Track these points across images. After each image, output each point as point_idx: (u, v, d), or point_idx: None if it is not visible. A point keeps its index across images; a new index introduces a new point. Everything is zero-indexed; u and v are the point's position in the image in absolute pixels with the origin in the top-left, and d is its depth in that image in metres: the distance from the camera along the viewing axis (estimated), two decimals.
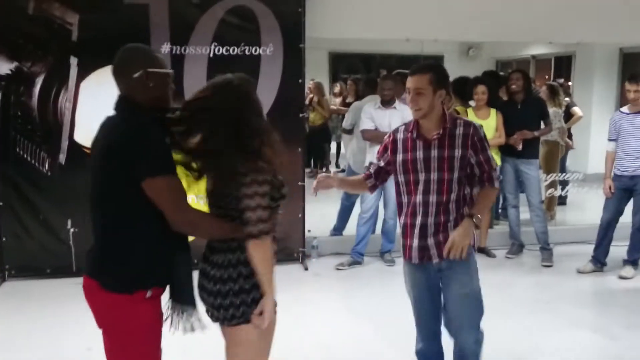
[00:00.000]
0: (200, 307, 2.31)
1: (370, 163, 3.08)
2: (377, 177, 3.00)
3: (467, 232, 2.68)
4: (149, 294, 2.17)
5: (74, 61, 4.99)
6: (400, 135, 2.88)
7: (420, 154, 2.79)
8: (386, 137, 2.98)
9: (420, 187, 2.79)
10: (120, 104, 2.21)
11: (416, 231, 2.81)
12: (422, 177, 2.78)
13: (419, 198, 2.79)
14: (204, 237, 2.28)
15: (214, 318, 2.28)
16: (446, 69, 2.86)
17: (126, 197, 2.10)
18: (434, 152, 2.76)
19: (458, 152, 2.74)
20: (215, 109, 2.18)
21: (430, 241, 2.78)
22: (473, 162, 2.77)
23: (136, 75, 2.16)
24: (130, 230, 2.14)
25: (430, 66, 2.78)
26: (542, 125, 5.91)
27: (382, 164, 2.96)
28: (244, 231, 2.14)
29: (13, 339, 4.06)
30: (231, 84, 2.23)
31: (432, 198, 2.77)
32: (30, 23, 4.92)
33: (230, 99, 2.19)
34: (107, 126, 2.21)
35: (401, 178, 2.85)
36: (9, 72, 4.94)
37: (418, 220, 2.81)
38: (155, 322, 2.25)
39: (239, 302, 2.20)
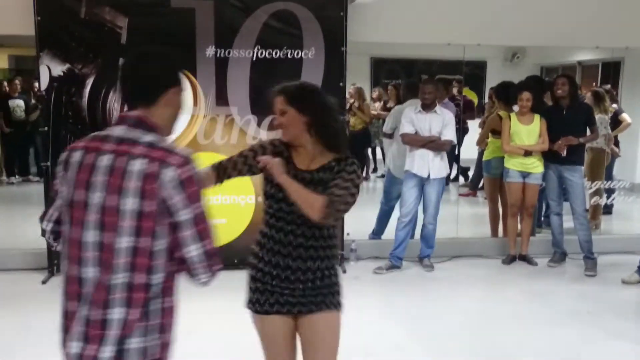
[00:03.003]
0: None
1: None
2: None
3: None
4: None
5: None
6: None
7: None
8: None
9: None
10: None
11: None
12: None
13: None
14: None
15: (301, 306, 2.51)
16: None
17: None
18: None
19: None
20: None
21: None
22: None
23: None
24: None
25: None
26: (588, 132, 5.80)
27: None
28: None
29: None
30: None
31: None
32: (82, 26, 5.10)
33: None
34: None
35: None
36: (62, 73, 5.13)
37: None
38: None
39: (326, 292, 2.58)
